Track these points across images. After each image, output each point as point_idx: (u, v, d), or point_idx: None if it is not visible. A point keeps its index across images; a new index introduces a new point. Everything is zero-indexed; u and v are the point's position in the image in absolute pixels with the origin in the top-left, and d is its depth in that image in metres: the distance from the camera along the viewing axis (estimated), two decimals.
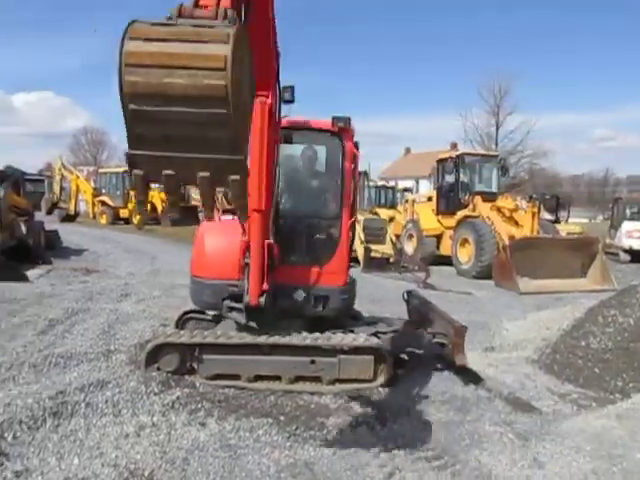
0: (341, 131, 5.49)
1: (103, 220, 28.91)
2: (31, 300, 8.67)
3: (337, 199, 5.69)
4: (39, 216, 19.20)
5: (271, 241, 5.07)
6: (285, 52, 4.65)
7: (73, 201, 30.69)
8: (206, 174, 2.45)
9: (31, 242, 14.02)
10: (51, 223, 20.91)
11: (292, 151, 6.07)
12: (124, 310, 8.24)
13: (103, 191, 30.06)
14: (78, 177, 31.14)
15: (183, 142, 2.41)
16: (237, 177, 2.47)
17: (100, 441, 3.94)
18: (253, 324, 5.31)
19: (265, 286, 5.04)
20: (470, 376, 5.61)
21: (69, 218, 29.57)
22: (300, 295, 5.43)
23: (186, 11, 2.50)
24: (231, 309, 5.36)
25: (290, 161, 6.08)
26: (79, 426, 4.15)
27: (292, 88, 5.09)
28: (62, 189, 31.00)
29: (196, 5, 2.60)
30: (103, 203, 29.34)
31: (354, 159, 5.59)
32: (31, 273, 11.05)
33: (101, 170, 35.75)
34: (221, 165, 2.44)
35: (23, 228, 14.29)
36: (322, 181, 6.04)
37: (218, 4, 2.60)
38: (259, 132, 4.83)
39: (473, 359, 5.95)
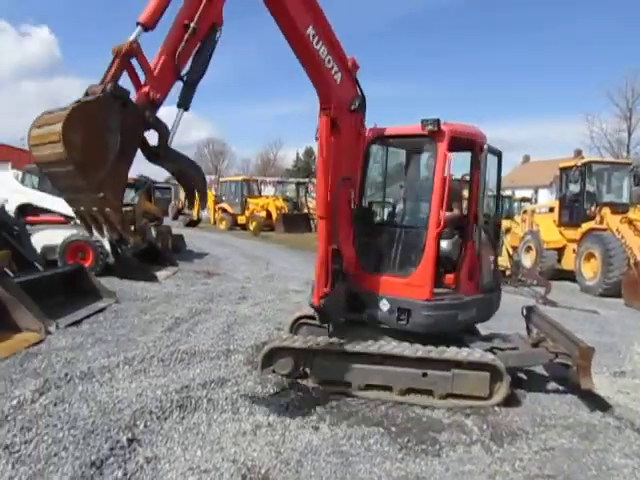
0: (431, 134, 5.22)
1: (222, 226, 30.51)
2: (159, 299, 9.37)
3: (424, 206, 5.52)
4: (166, 221, 20.72)
5: (335, 247, 5.23)
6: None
7: (196, 208, 32.78)
8: (95, 208, 3.62)
9: (160, 245, 15.16)
10: (176, 228, 22.44)
11: (380, 158, 6.07)
12: (241, 312, 8.64)
13: (223, 198, 31.74)
14: None
15: (73, 189, 3.61)
16: (109, 210, 3.59)
17: (220, 436, 4.17)
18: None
19: (327, 289, 5.20)
20: (596, 402, 5.22)
21: (192, 223, 31.58)
22: (384, 305, 5.39)
23: (92, 89, 3.59)
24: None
25: (378, 168, 6.09)
26: (201, 420, 4.42)
27: (361, 98, 5.27)
28: None
29: (102, 82, 3.63)
30: (223, 210, 30.96)
31: (447, 163, 5.17)
32: (159, 274, 11.91)
33: (222, 179, 37.83)
34: (96, 202, 3.57)
35: (153, 232, 15.50)
36: (410, 187, 5.93)
37: (112, 79, 3.64)
38: (323, 142, 5.07)
39: (600, 384, 5.53)
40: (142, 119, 3.83)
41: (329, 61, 4.88)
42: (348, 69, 5.12)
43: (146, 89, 3.82)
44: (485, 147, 5.50)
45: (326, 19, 4.90)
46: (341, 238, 5.41)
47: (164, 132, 3.99)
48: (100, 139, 3.50)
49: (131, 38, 3.73)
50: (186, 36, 3.98)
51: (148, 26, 3.85)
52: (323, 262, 5.24)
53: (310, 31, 4.69)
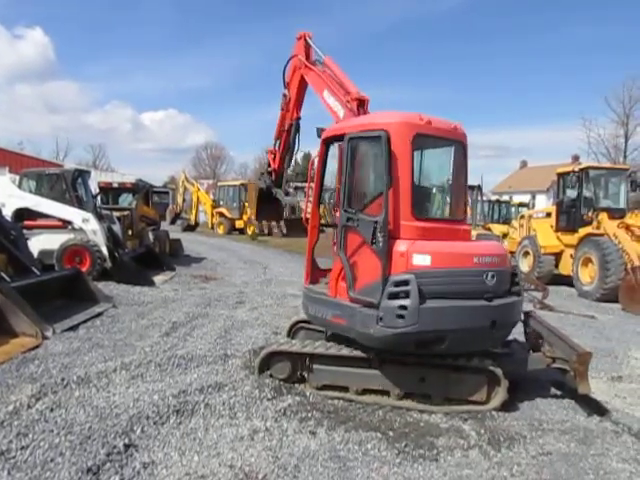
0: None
1: (220, 230, 30.51)
2: (157, 304, 9.36)
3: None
4: (163, 225, 20.71)
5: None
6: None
7: (194, 212, 32.83)
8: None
9: (157, 250, 15.14)
10: (174, 232, 22.41)
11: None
12: (239, 317, 8.63)
13: (221, 203, 31.77)
14: (199, 190, 33.26)
15: None
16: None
17: (217, 441, 4.15)
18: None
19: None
20: (594, 406, 5.22)
21: (190, 228, 31.59)
22: None
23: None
24: None
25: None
26: (198, 425, 4.40)
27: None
28: (184, 201, 33.29)
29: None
30: (221, 214, 30.98)
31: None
32: (157, 279, 11.91)
33: (219, 183, 37.83)
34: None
35: (151, 237, 15.51)
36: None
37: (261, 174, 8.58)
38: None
39: (597, 388, 5.54)
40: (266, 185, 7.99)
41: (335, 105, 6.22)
42: (346, 106, 6.01)
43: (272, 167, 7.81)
44: (347, 138, 5.22)
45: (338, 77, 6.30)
46: None
47: (277, 195, 8.01)
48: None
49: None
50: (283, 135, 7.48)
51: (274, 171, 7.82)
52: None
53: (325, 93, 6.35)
